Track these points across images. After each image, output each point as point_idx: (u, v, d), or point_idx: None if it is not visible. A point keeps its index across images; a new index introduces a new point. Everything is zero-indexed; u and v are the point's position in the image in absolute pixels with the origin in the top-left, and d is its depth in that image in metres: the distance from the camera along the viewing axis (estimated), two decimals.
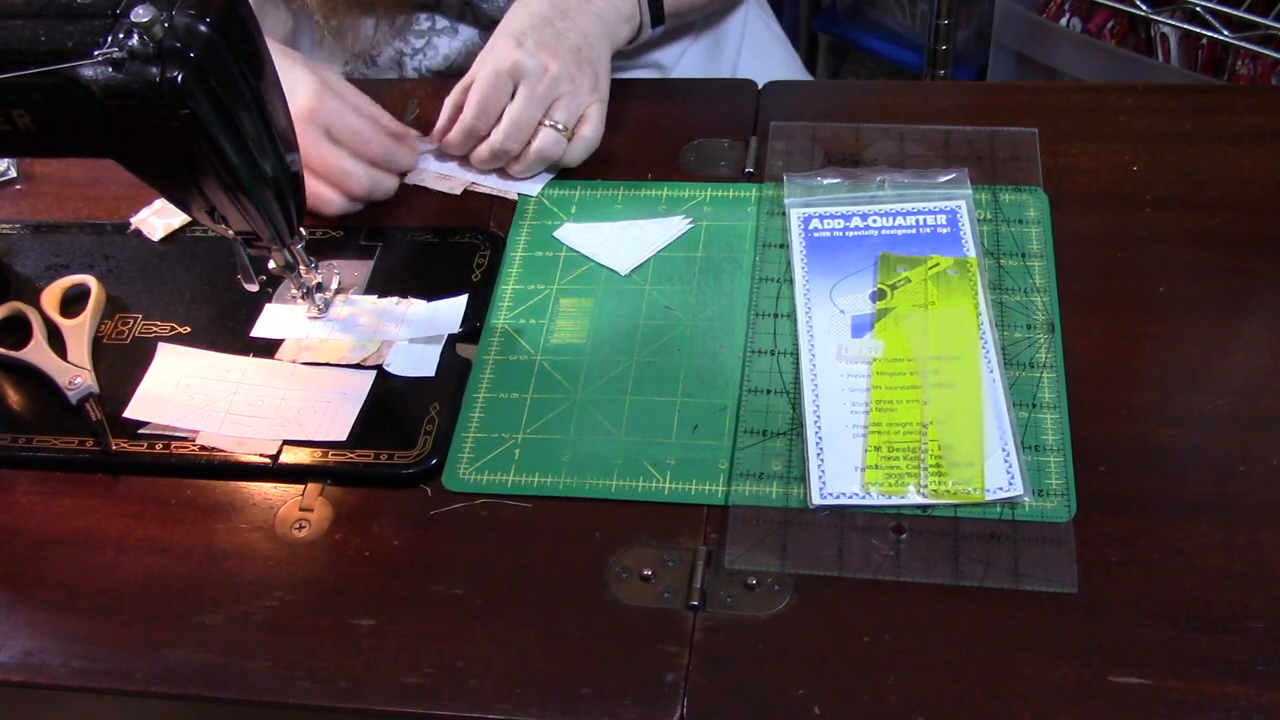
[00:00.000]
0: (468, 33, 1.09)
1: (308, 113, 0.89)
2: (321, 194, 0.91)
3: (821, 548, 0.71)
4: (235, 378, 0.83)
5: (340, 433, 0.79)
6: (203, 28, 0.66)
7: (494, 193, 0.95)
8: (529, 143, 0.93)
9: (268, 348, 0.85)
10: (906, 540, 0.71)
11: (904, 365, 0.78)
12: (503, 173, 0.95)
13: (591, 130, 0.94)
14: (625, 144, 0.98)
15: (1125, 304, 0.82)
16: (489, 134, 0.93)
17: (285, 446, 0.79)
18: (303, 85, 0.90)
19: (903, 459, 0.74)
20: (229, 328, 0.87)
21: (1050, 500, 0.72)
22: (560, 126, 0.92)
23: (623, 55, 1.06)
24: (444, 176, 0.96)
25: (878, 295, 0.83)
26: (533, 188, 0.94)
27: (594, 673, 0.67)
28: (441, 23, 1.10)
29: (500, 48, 0.92)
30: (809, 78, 1.36)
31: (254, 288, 0.83)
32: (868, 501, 0.72)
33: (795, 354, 0.81)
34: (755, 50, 1.21)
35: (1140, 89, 0.97)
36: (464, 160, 0.96)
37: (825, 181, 0.90)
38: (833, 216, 0.88)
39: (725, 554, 0.71)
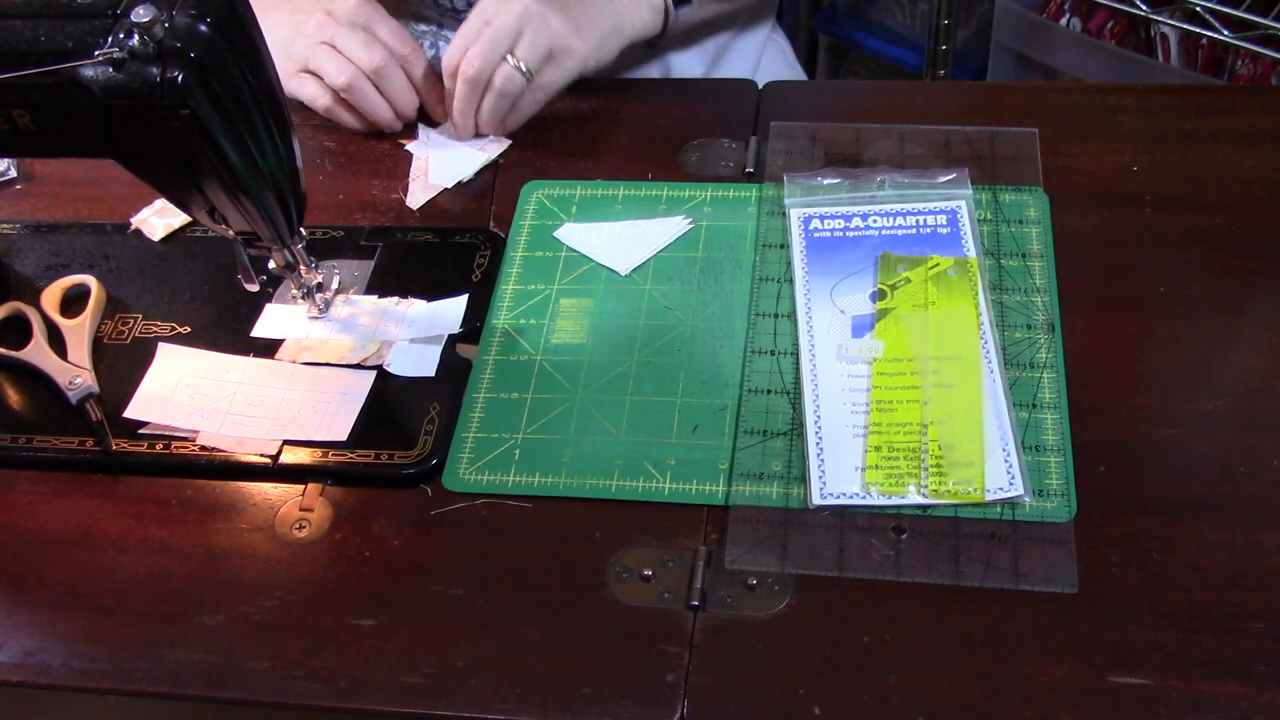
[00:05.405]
0: None
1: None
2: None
3: (822, 548, 0.71)
4: (235, 378, 0.83)
5: (340, 433, 0.79)
6: (203, 28, 0.66)
7: (472, 161, 0.96)
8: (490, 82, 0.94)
9: (268, 348, 0.85)
10: (907, 540, 0.71)
11: (904, 365, 0.78)
12: (479, 137, 0.97)
13: (555, 77, 0.95)
14: (625, 144, 0.98)
15: (1125, 304, 0.82)
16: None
17: (285, 446, 0.79)
18: None
19: (903, 459, 0.74)
20: (229, 328, 0.87)
21: (1050, 500, 0.72)
22: (520, 65, 0.93)
23: (650, 59, 1.05)
24: (433, 186, 0.96)
25: (878, 295, 0.83)
26: (494, 148, 0.97)
27: (594, 673, 0.67)
28: (445, 48, 1.08)
29: (484, 1, 0.94)
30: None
31: (254, 288, 0.83)
32: (868, 501, 0.72)
33: (795, 354, 0.81)
34: (767, 75, 1.21)
35: (1140, 89, 0.97)
36: (446, 164, 0.97)
37: (825, 181, 0.90)
38: (833, 216, 0.88)
39: (725, 554, 0.71)
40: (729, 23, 1.15)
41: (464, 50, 0.93)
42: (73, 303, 0.89)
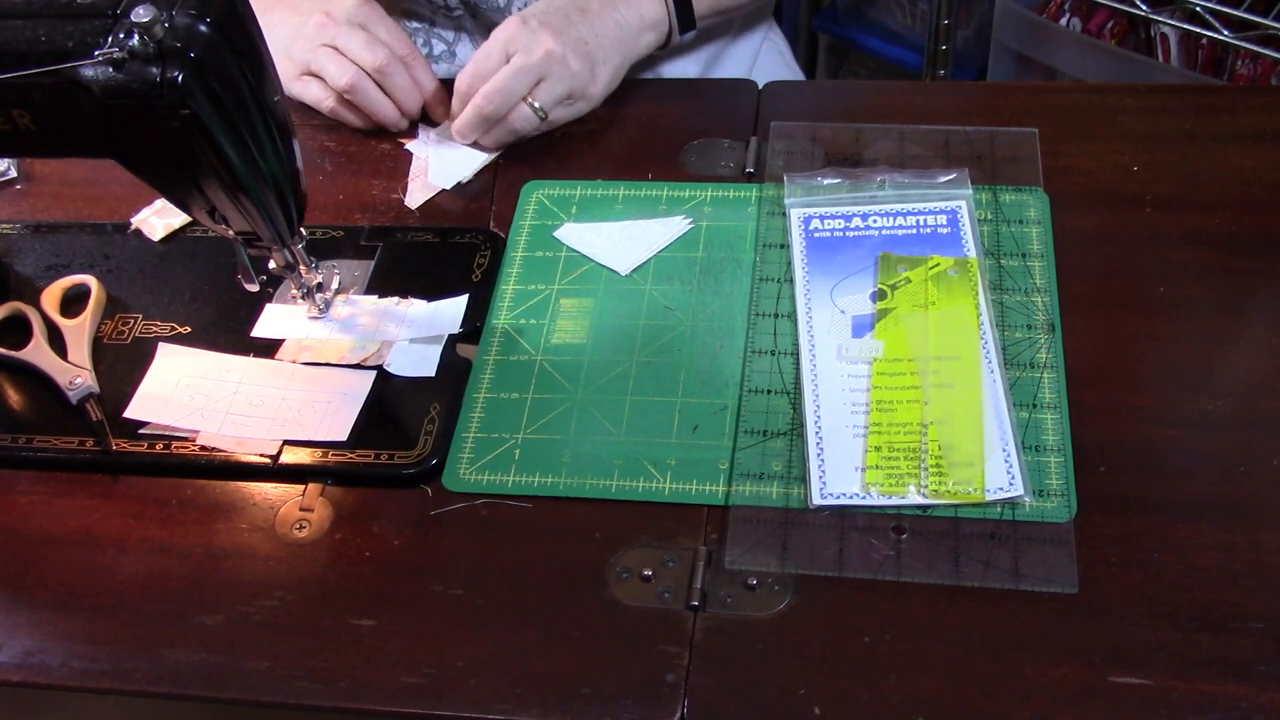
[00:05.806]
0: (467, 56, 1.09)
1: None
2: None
3: (822, 548, 0.71)
4: (235, 378, 0.83)
5: (340, 433, 0.79)
6: (203, 28, 0.66)
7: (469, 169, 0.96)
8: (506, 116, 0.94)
9: (268, 348, 0.85)
10: (907, 540, 0.71)
11: (904, 365, 0.78)
12: (476, 145, 0.97)
13: (565, 115, 0.97)
14: (625, 144, 0.98)
15: (1125, 304, 0.82)
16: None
17: (285, 446, 0.79)
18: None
19: (903, 459, 0.74)
20: (229, 328, 0.87)
21: (1050, 500, 0.72)
22: (537, 106, 0.94)
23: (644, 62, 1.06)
24: (432, 186, 0.96)
25: (878, 295, 0.83)
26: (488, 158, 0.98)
27: (594, 673, 0.67)
28: (439, 46, 1.09)
29: (506, 25, 0.94)
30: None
31: (254, 288, 0.83)
32: (868, 501, 0.72)
33: (795, 354, 0.81)
34: (763, 75, 1.21)
35: (1140, 89, 0.97)
36: (446, 164, 0.97)
37: (825, 181, 0.90)
38: (833, 217, 0.88)
39: (725, 554, 0.71)
40: (725, 27, 1.15)
41: (480, 77, 0.93)
42: (73, 303, 0.89)
